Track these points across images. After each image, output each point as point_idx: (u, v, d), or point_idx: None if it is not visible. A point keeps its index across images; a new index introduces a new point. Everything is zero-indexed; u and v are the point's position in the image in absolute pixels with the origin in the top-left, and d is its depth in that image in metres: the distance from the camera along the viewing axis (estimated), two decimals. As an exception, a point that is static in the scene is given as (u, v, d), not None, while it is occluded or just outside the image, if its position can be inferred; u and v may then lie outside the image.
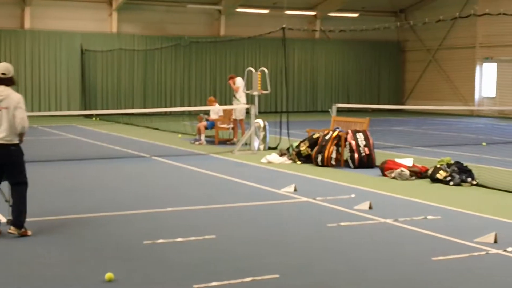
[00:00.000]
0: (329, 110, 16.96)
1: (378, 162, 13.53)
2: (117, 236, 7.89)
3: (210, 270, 6.44)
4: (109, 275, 6.09)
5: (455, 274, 6.41)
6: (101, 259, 6.86)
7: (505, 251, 7.14)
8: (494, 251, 7.15)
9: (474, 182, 11.63)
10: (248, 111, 17.26)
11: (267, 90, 17.84)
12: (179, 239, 7.57)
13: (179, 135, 20.48)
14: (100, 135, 20.70)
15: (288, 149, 15.19)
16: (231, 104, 19.61)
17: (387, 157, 13.75)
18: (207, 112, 19.40)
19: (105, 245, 7.45)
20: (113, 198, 10.38)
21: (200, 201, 10.05)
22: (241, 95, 18.47)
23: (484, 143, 18.59)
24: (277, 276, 6.25)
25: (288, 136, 17.19)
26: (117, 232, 8.09)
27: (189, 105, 30.87)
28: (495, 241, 7.46)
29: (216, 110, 18.95)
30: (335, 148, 14.08)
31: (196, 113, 20.29)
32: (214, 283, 5.98)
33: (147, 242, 7.45)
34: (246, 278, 6.13)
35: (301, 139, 15.01)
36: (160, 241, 7.50)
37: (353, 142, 13.94)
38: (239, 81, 18.56)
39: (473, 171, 11.92)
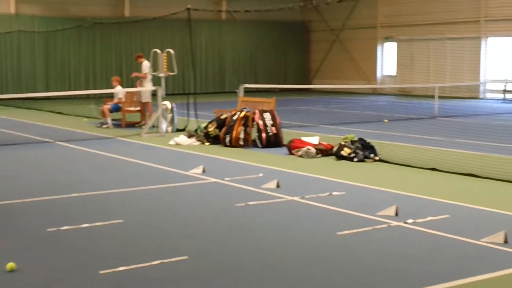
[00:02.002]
0: (237, 90, 17.02)
1: (285, 141, 13.70)
2: (19, 224, 7.66)
3: (117, 255, 6.36)
4: (10, 265, 5.89)
5: (358, 247, 6.60)
6: (1, 249, 6.64)
7: (405, 223, 7.40)
8: (395, 223, 7.40)
9: (377, 158, 11.99)
10: (154, 93, 17.08)
11: (173, 71, 17.69)
12: (84, 225, 7.43)
13: (85, 119, 20.06)
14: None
15: (196, 130, 15.15)
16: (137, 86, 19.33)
17: (294, 136, 13.94)
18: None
19: (5, 234, 7.22)
20: (13, 186, 10.06)
21: (107, 185, 9.90)
22: (146, 79, 18.25)
23: (386, 120, 19.16)
24: (186, 258, 6.24)
25: (196, 117, 17.15)
26: (19, 220, 7.85)
27: (94, 88, 30.22)
28: (396, 214, 7.73)
29: (117, 92, 18.63)
30: (242, 128, 14.16)
31: (102, 96, 19.91)
32: (121, 268, 5.92)
33: (51, 230, 7.27)
34: (155, 261, 6.09)
35: (209, 120, 15.00)
36: (65, 228, 7.33)
37: (261, 122, 14.05)
38: (146, 66, 18.30)
39: (375, 147, 12.28)
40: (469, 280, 5.54)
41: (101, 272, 5.84)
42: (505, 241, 6.56)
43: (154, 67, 17.76)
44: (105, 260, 6.21)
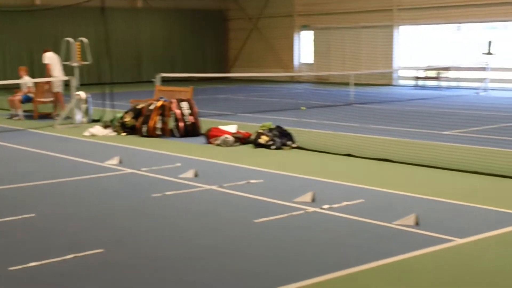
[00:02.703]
0: (153, 80, 16.82)
1: (203, 130, 13.65)
2: None
3: (28, 251, 6.16)
4: None
5: (275, 233, 6.64)
6: None
7: (321, 208, 7.50)
8: (311, 209, 7.49)
9: (294, 145, 12.10)
10: (68, 84, 16.66)
11: (87, 61, 17.30)
12: (-6, 220, 7.18)
13: (-5, 111, 19.39)
14: None
15: (112, 121, 14.89)
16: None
17: (212, 124, 13.89)
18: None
19: None
20: None
21: (18, 178, 9.59)
22: (54, 69, 17.76)
23: (303, 107, 19.31)
24: (101, 250, 6.12)
25: (112, 107, 16.84)
26: None
27: (4, 79, 29.21)
28: (313, 200, 7.82)
29: (25, 83, 18.09)
30: (160, 118, 14.01)
31: (12, 87, 19.27)
32: (32, 264, 5.73)
33: (-41, 226, 6.99)
34: (68, 255, 5.94)
35: (125, 110, 14.76)
36: (-26, 223, 7.07)
37: (178, 111, 13.94)
38: (46, 57, 17.81)
39: (293, 135, 12.39)
40: (382, 262, 5.66)
41: (10, 268, 5.65)
42: (416, 223, 6.75)
43: (67, 56, 17.32)
44: (15, 256, 6.00)
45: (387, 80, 30.91)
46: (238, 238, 6.55)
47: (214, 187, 8.80)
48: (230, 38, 38.62)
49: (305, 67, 34.87)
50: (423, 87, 28.95)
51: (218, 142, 12.58)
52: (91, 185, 9.26)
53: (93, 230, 6.92)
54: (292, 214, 7.28)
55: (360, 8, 31.37)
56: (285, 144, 12.07)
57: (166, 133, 14.02)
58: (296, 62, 35.07)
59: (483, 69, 26.75)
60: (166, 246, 6.32)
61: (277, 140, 12.08)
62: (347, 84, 24.66)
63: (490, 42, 26.59)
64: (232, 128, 13.11)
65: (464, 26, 29.29)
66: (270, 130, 12.40)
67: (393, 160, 10.52)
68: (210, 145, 12.68)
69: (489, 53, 26.54)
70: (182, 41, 36.68)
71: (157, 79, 16.39)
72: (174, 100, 14.16)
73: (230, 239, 6.51)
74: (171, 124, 14.01)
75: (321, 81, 33.05)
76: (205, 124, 14.27)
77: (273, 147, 11.98)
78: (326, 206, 7.56)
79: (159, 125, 13.96)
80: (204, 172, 9.79)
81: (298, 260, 5.81)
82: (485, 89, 25.75)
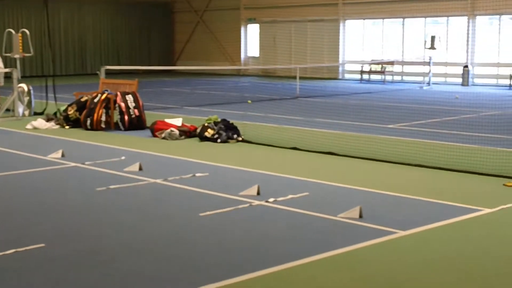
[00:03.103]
0: (98, 72, 16.58)
1: (148, 123, 13.53)
2: None
3: (-33, 246, 6.00)
4: None
5: (220, 227, 6.63)
6: None
7: (266, 202, 7.51)
8: (257, 202, 7.50)
9: (240, 139, 12.10)
10: (9, 76, 16.28)
11: (29, 52, 16.93)
12: None
13: None
14: None
15: (55, 113, 14.64)
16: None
17: (157, 118, 13.79)
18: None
19: None
20: None
21: (-43, 173, 9.34)
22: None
23: (249, 101, 19.38)
24: (42, 245, 6.00)
25: (55, 100, 16.53)
26: None
27: None
28: (258, 193, 7.83)
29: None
30: (104, 110, 13.83)
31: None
32: (-29, 259, 5.60)
33: None
34: (8, 250, 5.80)
35: (69, 103, 14.51)
36: None
37: (123, 104, 13.78)
38: None
39: (239, 128, 12.39)
40: (326, 255, 5.70)
41: (-51, 265, 5.50)
42: (360, 216, 6.83)
43: (9, 48, 16.91)
44: (-46, 252, 5.84)
45: (333, 74, 31.20)
46: (183, 231, 6.51)
47: (159, 181, 8.73)
48: (176, 31, 38.37)
49: (251, 61, 34.91)
50: (368, 81, 29.33)
51: (163, 135, 12.49)
52: (33, 179, 9.07)
53: (35, 225, 6.78)
54: (237, 208, 7.28)
55: (306, 1, 31.54)
56: (231, 138, 12.06)
57: (111, 126, 13.85)
58: (242, 55, 35.07)
59: (427, 63, 27.24)
60: (109, 240, 6.24)
61: (223, 133, 12.06)
62: (293, 77, 24.80)
63: (433, 37, 27.08)
64: (177, 121, 13.03)
65: (408, 20, 29.75)
66: (216, 123, 12.36)
67: (338, 153, 10.62)
68: (155, 138, 12.58)
69: (432, 48, 27.02)
70: (127, 34, 36.28)
71: (102, 72, 16.17)
72: (119, 93, 13.98)
73: (175, 232, 6.47)
74: (116, 117, 13.85)
75: (267, 75, 33.16)
76: (150, 117, 14.15)
77: (219, 140, 11.96)
78: (271, 199, 7.58)
79: (103, 118, 13.78)
80: (149, 165, 9.70)
81: (243, 253, 5.81)
82: (428, 83, 26.22)
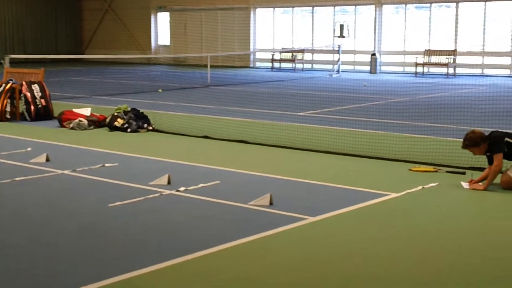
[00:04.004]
0: (2, 61, 16.02)
1: (56, 113, 13.19)
2: None
3: None
4: None
5: (130, 217, 6.52)
6: None
7: (177, 191, 7.45)
8: (167, 192, 7.42)
9: (151, 128, 11.97)
10: None
11: None
12: None
13: None
14: None
15: (-45, 104, 14.02)
16: None
17: (65, 107, 13.48)
18: None
19: None
20: None
21: None
22: None
23: (160, 90, 19.19)
24: None
25: (-44, 90, 15.81)
26: None
27: None
28: (169, 183, 7.76)
29: None
30: (9, 101, 13.40)
31: None
32: None
33: None
34: None
35: (-30, 93, 13.92)
36: None
37: (28, 94, 13.37)
38: None
39: (149, 117, 12.25)
40: (237, 243, 5.71)
41: None
42: (271, 203, 6.87)
43: None
44: None
45: (244, 62, 31.30)
46: (92, 223, 6.36)
47: (66, 172, 8.51)
48: (84, 19, 37.51)
49: (162, 49, 34.57)
50: (279, 69, 29.59)
51: (71, 125, 12.20)
52: None
53: None
54: (147, 197, 7.18)
55: (216, -10, 31.47)
56: (141, 127, 11.91)
57: (17, 116, 13.43)
58: (153, 44, 34.67)
59: (336, 51, 27.71)
60: (15, 234, 6.02)
61: (133, 123, 11.89)
62: (204, 66, 24.72)
63: (342, 26, 27.59)
64: (86, 111, 12.74)
65: (318, 9, 30.16)
66: (126, 112, 12.18)
67: (249, 141, 10.66)
68: (63, 128, 12.28)
69: (341, 36, 27.52)
70: (33, 21, 35.18)
71: (6, 61, 15.61)
72: (24, 83, 13.55)
73: (84, 224, 6.32)
74: (22, 107, 13.44)
75: (178, 63, 32.92)
76: (58, 107, 13.80)
77: (129, 130, 11.78)
78: (182, 189, 7.52)
79: (8, 108, 13.35)
80: (57, 156, 9.45)
81: (153, 244, 5.74)
82: (337, 71, 26.70)
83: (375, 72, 27.08)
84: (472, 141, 7.62)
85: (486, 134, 7.72)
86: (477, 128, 7.97)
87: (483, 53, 26.15)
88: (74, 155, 9.84)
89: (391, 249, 5.65)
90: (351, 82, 22.70)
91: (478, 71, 26.25)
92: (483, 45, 26.06)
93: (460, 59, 26.23)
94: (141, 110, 12.42)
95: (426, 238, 5.93)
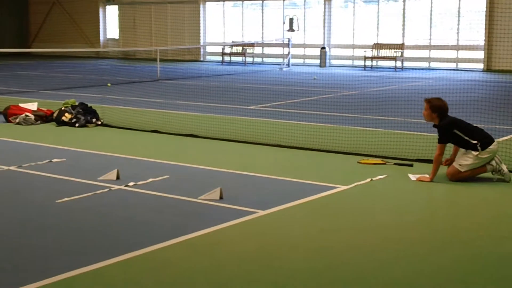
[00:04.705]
0: None
1: (1, 108, 12.91)
2: None
3: None
4: None
5: (78, 213, 6.43)
6: None
7: (126, 186, 7.37)
8: (116, 187, 7.34)
9: (99, 122, 11.81)
10: None
11: None
12: None
13: None
14: None
15: None
16: None
17: (11, 102, 13.20)
18: None
19: None
20: None
21: None
22: None
23: (109, 84, 18.96)
24: None
25: None
26: None
27: None
28: (118, 178, 7.67)
29: None
30: (-49, 96, 13.04)
31: None
32: None
33: None
34: None
35: None
36: None
37: (-28, 89, 13.04)
38: None
39: (98, 112, 12.08)
40: (187, 237, 5.68)
41: None
42: (221, 197, 6.85)
43: None
44: None
45: (194, 56, 31.15)
46: (38, 219, 6.25)
47: (12, 168, 8.33)
48: (31, 12, 36.76)
49: (111, 43, 34.14)
50: (230, 63, 29.54)
51: (17, 120, 11.96)
52: None
53: None
54: (96, 193, 7.08)
55: (165, -17, 31.22)
56: (89, 122, 11.74)
57: (-41, 112, 13.08)
58: (101, 37, 34.21)
59: (286, 45, 27.80)
60: (-42, 233, 5.88)
61: (81, 117, 11.72)
62: (154, 60, 24.51)
63: (291, 19, 27.67)
64: (32, 105, 12.50)
65: (268, 3, 30.19)
66: (74, 107, 11.99)
67: (199, 135, 10.62)
68: (9, 124, 12.04)
69: (291, 30, 27.61)
70: (-23, 14, 34.32)
71: None
72: (-33, 77, 13.22)
73: (30, 221, 6.20)
74: (-35, 102, 13.10)
75: (127, 57, 32.57)
76: (3, 102, 13.53)
77: (77, 124, 11.61)
78: (131, 183, 7.44)
79: (-50, 103, 12.99)
80: (2, 152, 9.30)
81: (100, 239, 5.66)
82: (288, 65, 26.79)
83: (325, 66, 27.26)
84: (435, 106, 7.74)
85: (448, 115, 7.79)
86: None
87: (430, 47, 26.58)
88: (20, 151, 9.65)
89: (340, 240, 5.70)
90: (301, 75, 22.80)
91: (425, 64, 26.67)
92: (430, 39, 26.49)
93: (407, 53, 26.61)
94: (89, 105, 12.24)
95: (374, 230, 6.00)
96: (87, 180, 7.69)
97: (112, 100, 14.42)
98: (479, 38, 25.09)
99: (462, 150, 7.78)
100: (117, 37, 33.86)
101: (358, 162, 8.69)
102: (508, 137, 10.31)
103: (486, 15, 24.59)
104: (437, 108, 7.75)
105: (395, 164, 8.56)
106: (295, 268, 5.05)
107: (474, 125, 7.99)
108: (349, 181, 7.64)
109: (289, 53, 27.20)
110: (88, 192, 7.10)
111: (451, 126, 7.68)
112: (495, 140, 7.86)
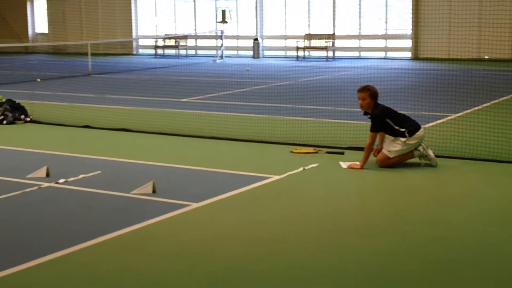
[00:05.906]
0: None
1: None
2: None
3: None
4: None
5: (6, 213, 6.28)
6: None
7: (57, 183, 7.23)
8: (46, 184, 7.19)
9: (28, 119, 11.55)
10: None
11: None
12: None
13: None
14: None
15: None
16: None
17: None
18: None
19: None
20: None
21: None
22: None
23: (38, 79, 18.54)
24: None
25: None
26: None
27: None
28: (48, 175, 7.52)
29: None
30: None
31: None
32: None
33: None
34: None
35: None
36: None
37: None
38: None
39: (26, 108, 11.82)
40: (120, 233, 5.61)
41: None
42: (154, 191, 6.80)
43: None
44: None
45: (126, 49, 30.78)
46: (-36, 221, 6.08)
47: None
48: (-47, 6, 35.58)
49: (40, 37, 33.38)
50: (163, 56, 29.30)
51: None
52: None
53: None
54: (25, 191, 6.92)
55: (95, -24, 30.68)
56: (18, 118, 11.47)
57: None
58: (30, 32, 33.41)
59: (219, 37, 27.74)
60: None
61: (9, 114, 11.44)
62: (85, 54, 24.09)
63: (224, 11, 27.61)
64: (-43, 103, 12.11)
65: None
66: (1, 104, 11.70)
67: (132, 129, 10.51)
68: None
69: (223, 22, 27.55)
70: None
71: None
72: None
73: (-44, 223, 6.02)
74: None
75: (57, 52, 31.91)
76: None
77: (5, 122, 11.33)
78: (62, 180, 7.31)
79: None
80: None
81: (31, 239, 5.54)
82: (221, 57, 26.75)
83: (258, 57, 27.34)
84: (374, 93, 7.84)
85: (382, 104, 7.93)
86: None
87: (360, 37, 26.98)
88: None
89: (274, 230, 5.74)
90: (234, 67, 22.80)
91: (355, 54, 27.06)
92: (360, 29, 26.89)
93: (338, 43, 26.94)
94: (17, 101, 11.96)
95: (307, 218, 6.07)
96: (15, 178, 7.50)
97: (41, 96, 14.12)
98: (407, 27, 25.63)
99: (390, 137, 7.94)
100: (46, 31, 33.14)
101: (291, 152, 8.76)
102: (435, 123, 10.58)
103: (412, 5, 25.12)
104: (375, 95, 7.88)
105: (326, 152, 8.67)
106: (230, 259, 5.07)
107: (402, 112, 8.16)
108: (282, 171, 7.70)
109: (222, 45, 27.15)
110: (17, 191, 6.93)
111: (384, 115, 7.82)
112: (422, 126, 8.06)
